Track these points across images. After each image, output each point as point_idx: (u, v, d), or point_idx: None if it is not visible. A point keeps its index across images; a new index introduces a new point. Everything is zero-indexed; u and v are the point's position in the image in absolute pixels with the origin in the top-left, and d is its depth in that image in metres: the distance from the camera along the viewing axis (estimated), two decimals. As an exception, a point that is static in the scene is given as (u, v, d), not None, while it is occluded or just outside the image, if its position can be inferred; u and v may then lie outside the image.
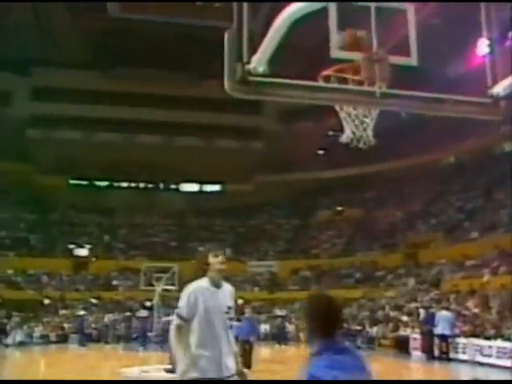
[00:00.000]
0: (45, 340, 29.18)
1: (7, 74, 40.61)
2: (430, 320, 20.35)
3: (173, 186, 48.64)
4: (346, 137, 4.01)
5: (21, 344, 27.48)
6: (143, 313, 27.77)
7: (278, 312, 33.33)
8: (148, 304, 28.91)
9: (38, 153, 43.32)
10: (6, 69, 39.70)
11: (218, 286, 4.64)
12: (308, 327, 2.73)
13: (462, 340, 19.05)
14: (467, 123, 27.21)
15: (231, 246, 42.72)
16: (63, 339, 28.95)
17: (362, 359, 2.69)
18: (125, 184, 48.08)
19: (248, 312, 19.02)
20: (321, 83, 3.66)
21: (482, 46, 3.79)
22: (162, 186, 48.54)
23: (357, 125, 3.94)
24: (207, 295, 4.55)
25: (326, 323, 2.66)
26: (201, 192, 48.53)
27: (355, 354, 2.71)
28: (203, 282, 4.66)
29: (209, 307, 4.49)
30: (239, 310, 22.26)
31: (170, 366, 15.33)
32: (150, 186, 48.21)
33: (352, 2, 3.76)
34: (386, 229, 39.76)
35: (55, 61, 40.54)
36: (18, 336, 28.24)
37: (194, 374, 4.37)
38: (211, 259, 4.68)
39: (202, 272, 4.83)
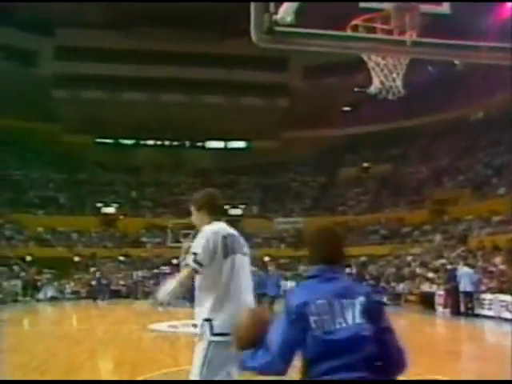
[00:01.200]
0: (76, 296, 29.97)
1: (32, 34, 40.85)
2: (452, 277, 20.34)
3: (199, 144, 48.66)
4: (374, 88, 3.92)
5: (52, 299, 28.29)
6: (165, 269, 28.12)
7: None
8: (174, 261, 29.29)
9: (64, 113, 43.62)
10: (31, 29, 40.00)
11: None
12: (308, 253, 2.65)
13: (488, 296, 18.99)
14: (496, 77, 26.61)
15: (257, 203, 42.85)
16: (93, 295, 29.65)
17: (359, 289, 2.52)
18: (151, 142, 48.21)
19: (271, 269, 19.23)
20: (349, 32, 3.58)
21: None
22: (187, 143, 48.56)
23: (386, 74, 3.85)
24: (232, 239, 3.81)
25: (323, 249, 2.59)
26: (226, 149, 48.50)
27: (350, 283, 2.57)
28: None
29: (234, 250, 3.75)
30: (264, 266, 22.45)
31: (197, 322, 15.61)
32: (175, 143, 48.26)
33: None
34: (413, 185, 39.49)
35: (78, 21, 40.43)
36: (50, 291, 29.07)
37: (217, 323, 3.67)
38: None
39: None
